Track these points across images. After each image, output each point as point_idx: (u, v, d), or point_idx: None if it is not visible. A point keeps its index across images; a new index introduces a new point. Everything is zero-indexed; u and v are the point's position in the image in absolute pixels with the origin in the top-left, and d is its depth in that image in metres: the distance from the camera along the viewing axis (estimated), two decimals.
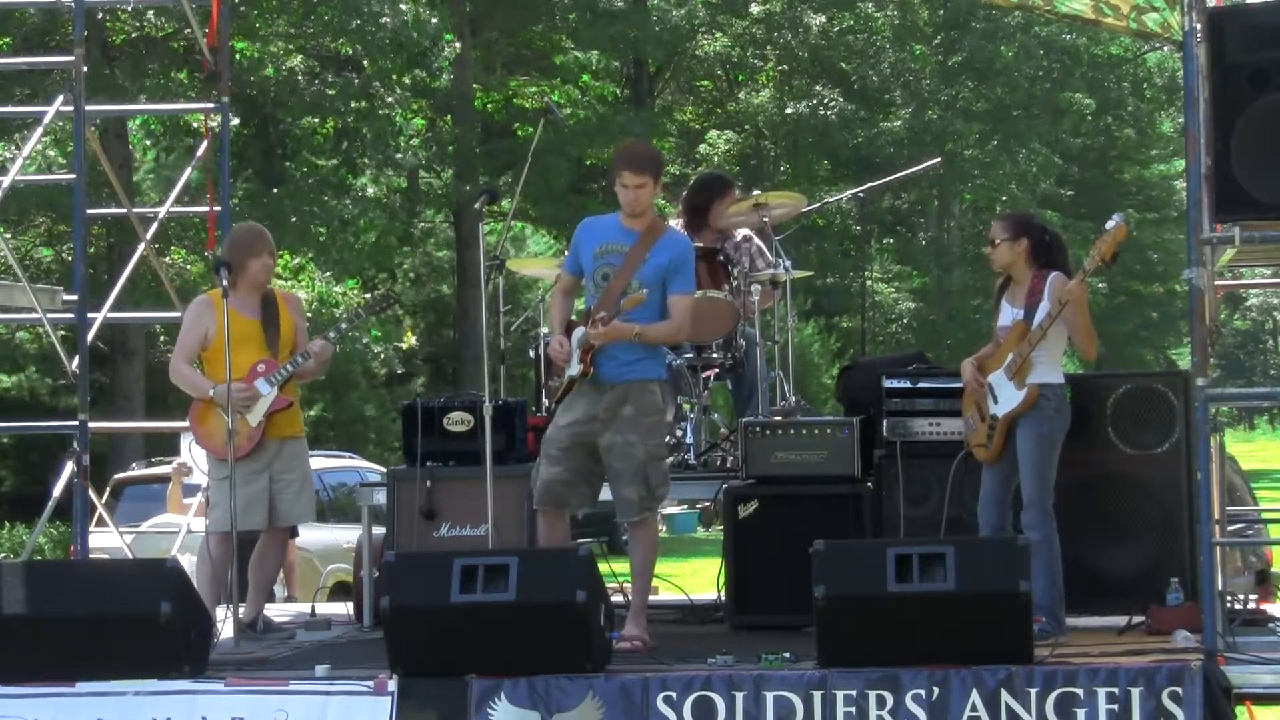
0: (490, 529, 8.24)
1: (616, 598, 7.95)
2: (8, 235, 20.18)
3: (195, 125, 21.51)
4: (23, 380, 24.95)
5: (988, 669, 6.73)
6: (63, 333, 10.91)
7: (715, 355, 9.47)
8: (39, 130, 11.24)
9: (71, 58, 10.16)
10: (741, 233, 10.02)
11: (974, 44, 37.08)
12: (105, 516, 11.62)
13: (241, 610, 8.38)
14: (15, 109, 19.11)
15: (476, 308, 23.24)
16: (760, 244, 10.01)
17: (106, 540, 11.83)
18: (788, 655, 7.08)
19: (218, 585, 8.51)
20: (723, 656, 7.13)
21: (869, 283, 34.09)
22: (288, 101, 24.45)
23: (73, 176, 10.23)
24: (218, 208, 10.76)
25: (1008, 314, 8.00)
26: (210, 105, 11.05)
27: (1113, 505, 8.43)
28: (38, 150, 19.30)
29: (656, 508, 7.89)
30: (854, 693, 6.75)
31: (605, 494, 7.92)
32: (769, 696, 6.80)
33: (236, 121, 20.32)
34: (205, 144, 11.02)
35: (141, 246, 11.17)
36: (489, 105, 29.71)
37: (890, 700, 6.73)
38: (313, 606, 9.56)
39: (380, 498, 9.14)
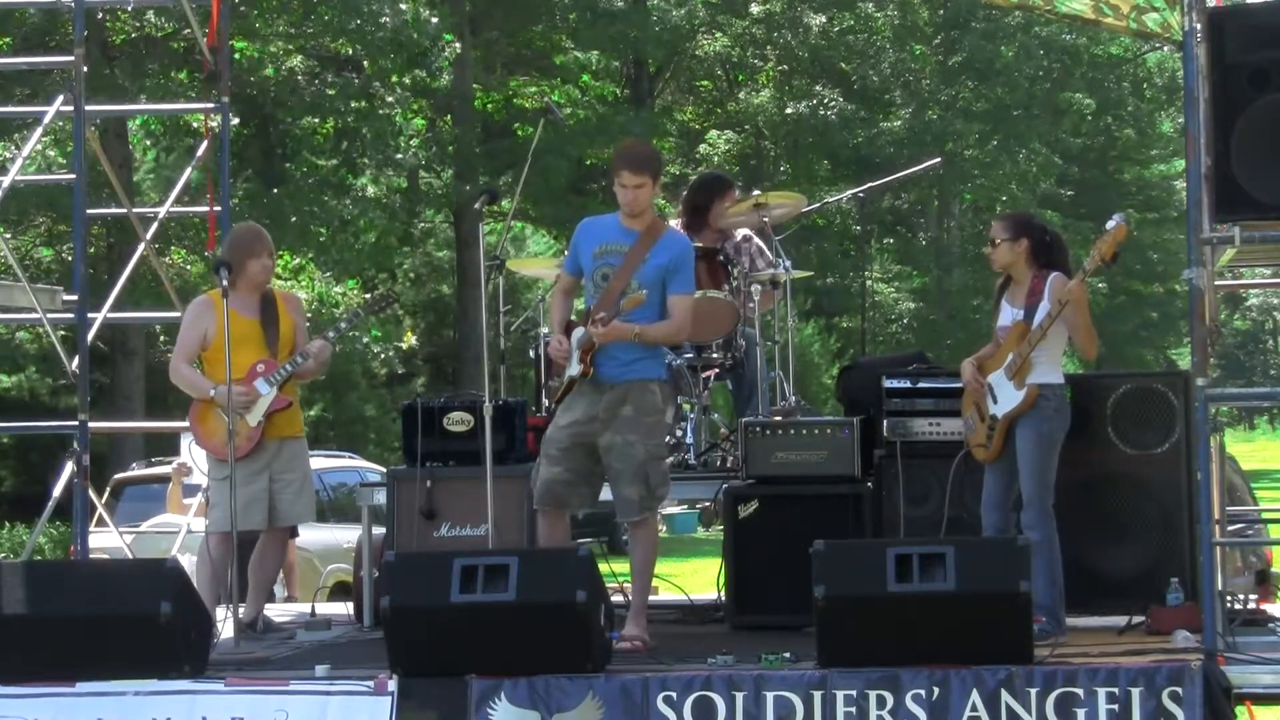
0: (490, 529, 8.24)
1: (616, 598, 7.94)
2: (8, 235, 20.16)
3: (195, 125, 21.47)
4: (23, 380, 24.93)
5: (988, 669, 6.73)
6: (63, 333, 10.91)
7: (715, 355, 9.46)
8: (39, 130, 11.24)
9: (71, 58, 10.16)
10: (741, 233, 10.02)
11: (974, 44, 37.06)
12: (105, 516, 11.61)
13: (241, 610, 8.38)
14: (15, 109, 19.10)
15: (476, 308, 23.23)
16: (760, 244, 10.00)
17: (106, 540, 11.83)
18: (788, 655, 7.08)
19: (218, 585, 8.50)
20: (723, 656, 7.12)
21: (869, 283, 34.06)
22: (288, 101, 24.42)
23: (73, 176, 10.23)
24: (218, 208, 10.76)
25: (1008, 314, 7.99)
26: (210, 105, 11.05)
27: (1113, 505, 8.42)
28: (38, 150, 19.27)
29: (656, 508, 7.88)
30: (854, 693, 6.75)
31: (605, 494, 7.91)
32: (769, 696, 6.80)
33: (236, 121, 20.30)
34: (205, 144, 11.02)
35: (141, 246, 11.17)
36: (489, 105, 29.70)
37: (890, 700, 6.73)
38: (313, 606, 9.56)
39: (380, 498, 9.13)
